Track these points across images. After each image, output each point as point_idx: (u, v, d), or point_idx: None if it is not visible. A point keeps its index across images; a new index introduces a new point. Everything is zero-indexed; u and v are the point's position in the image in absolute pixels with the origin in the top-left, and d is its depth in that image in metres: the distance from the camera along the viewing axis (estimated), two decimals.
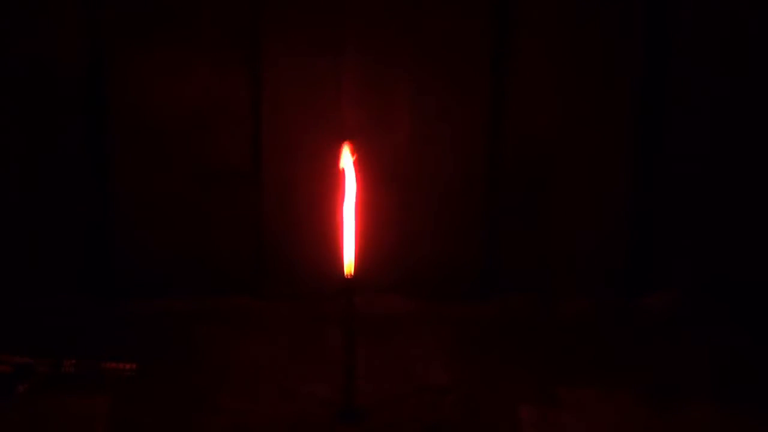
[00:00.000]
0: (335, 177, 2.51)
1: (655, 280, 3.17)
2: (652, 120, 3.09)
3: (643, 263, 3.17)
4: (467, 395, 2.62)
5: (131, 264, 3.13)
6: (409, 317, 3.06)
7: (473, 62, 3.07)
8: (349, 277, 2.47)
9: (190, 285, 3.13)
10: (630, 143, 3.11)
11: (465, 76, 3.07)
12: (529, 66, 3.07)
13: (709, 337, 2.94)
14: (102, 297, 3.10)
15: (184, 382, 2.67)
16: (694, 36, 3.04)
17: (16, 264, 3.10)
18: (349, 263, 2.47)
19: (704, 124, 3.09)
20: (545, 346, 2.89)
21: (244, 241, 3.15)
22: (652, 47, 3.05)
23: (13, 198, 3.08)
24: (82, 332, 2.91)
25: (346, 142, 2.50)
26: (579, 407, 2.57)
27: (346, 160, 2.47)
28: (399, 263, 3.12)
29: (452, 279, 3.16)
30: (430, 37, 3.05)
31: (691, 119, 3.09)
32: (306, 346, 2.87)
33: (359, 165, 2.49)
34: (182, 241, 3.13)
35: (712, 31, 3.04)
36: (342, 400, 2.50)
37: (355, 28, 3.03)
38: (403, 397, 2.61)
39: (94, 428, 2.47)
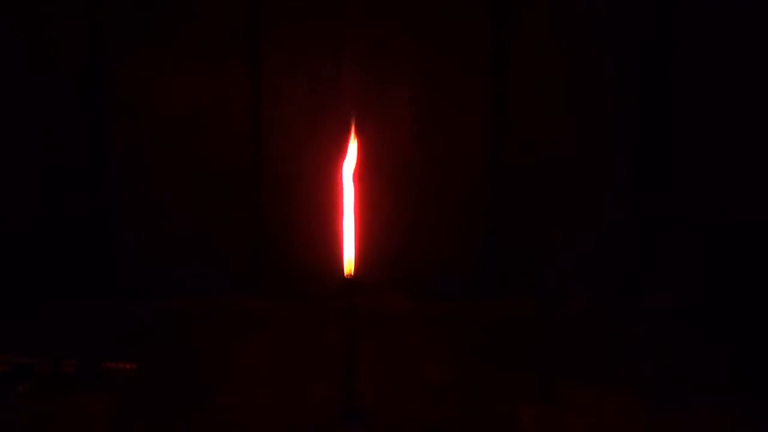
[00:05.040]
0: (335, 177, 2.50)
1: (655, 280, 3.17)
2: (652, 119, 3.09)
3: (643, 263, 3.17)
4: (467, 395, 2.62)
5: (132, 264, 3.13)
6: (409, 317, 3.06)
7: (474, 62, 3.07)
8: (349, 277, 2.47)
9: (190, 285, 3.13)
10: (629, 144, 3.11)
11: (465, 76, 3.07)
12: (529, 67, 3.07)
13: (708, 337, 2.94)
14: (102, 297, 3.10)
15: (184, 382, 2.66)
16: (695, 31, 3.05)
17: (16, 264, 3.10)
18: (349, 263, 2.47)
19: (705, 124, 3.09)
20: (545, 346, 2.89)
21: (244, 241, 3.15)
22: (649, 47, 3.05)
23: (14, 198, 3.08)
24: (82, 332, 2.91)
25: (350, 129, 2.50)
26: (579, 407, 2.57)
27: (350, 151, 2.47)
28: (399, 263, 3.12)
29: (452, 279, 3.16)
30: (431, 37, 3.05)
31: (692, 120, 3.10)
32: (306, 346, 2.87)
33: (359, 165, 2.49)
34: (182, 241, 3.13)
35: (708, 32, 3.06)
36: (342, 400, 2.50)
37: (355, 28, 3.03)
38: (403, 397, 2.61)
39: (94, 428, 2.47)
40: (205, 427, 2.48)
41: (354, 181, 2.46)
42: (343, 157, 2.47)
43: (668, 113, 3.10)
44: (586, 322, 3.04)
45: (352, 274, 2.47)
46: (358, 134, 2.50)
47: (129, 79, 3.04)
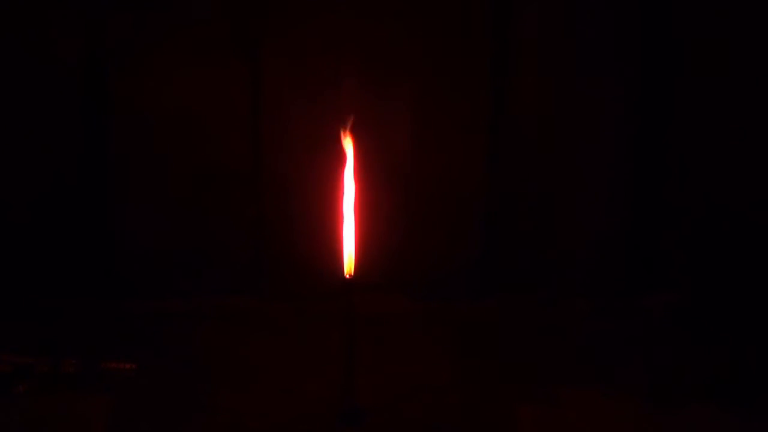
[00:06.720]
0: (335, 177, 2.51)
1: (654, 280, 3.17)
2: (653, 120, 3.10)
3: (642, 263, 3.17)
4: (467, 395, 2.62)
5: (131, 263, 3.13)
6: (409, 317, 3.06)
7: (474, 62, 3.07)
8: (349, 277, 2.47)
9: (190, 285, 3.13)
10: (630, 144, 3.11)
11: (466, 76, 3.07)
12: (529, 66, 3.07)
13: (708, 337, 2.94)
14: (102, 297, 3.10)
15: (184, 382, 2.67)
16: (696, 31, 3.06)
17: (17, 264, 3.10)
18: (349, 263, 2.47)
19: (706, 125, 3.09)
20: (545, 346, 2.89)
21: (244, 241, 3.15)
22: (651, 49, 3.06)
23: (13, 198, 3.08)
24: (82, 332, 2.91)
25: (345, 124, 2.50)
26: (579, 407, 2.57)
27: (347, 144, 2.47)
28: (399, 263, 3.13)
29: (452, 279, 3.16)
30: (431, 38, 3.05)
31: (692, 121, 3.10)
32: (306, 346, 2.88)
33: (359, 166, 2.49)
34: (182, 241, 3.13)
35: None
36: (342, 400, 2.50)
37: (355, 28, 3.03)
38: (403, 397, 2.61)
39: (94, 428, 2.47)
40: (205, 427, 2.48)
41: (354, 181, 2.46)
42: (344, 158, 2.47)
43: (669, 114, 3.10)
44: (585, 322, 3.04)
45: (352, 273, 2.47)
46: (357, 135, 2.50)
47: (129, 80, 3.04)
